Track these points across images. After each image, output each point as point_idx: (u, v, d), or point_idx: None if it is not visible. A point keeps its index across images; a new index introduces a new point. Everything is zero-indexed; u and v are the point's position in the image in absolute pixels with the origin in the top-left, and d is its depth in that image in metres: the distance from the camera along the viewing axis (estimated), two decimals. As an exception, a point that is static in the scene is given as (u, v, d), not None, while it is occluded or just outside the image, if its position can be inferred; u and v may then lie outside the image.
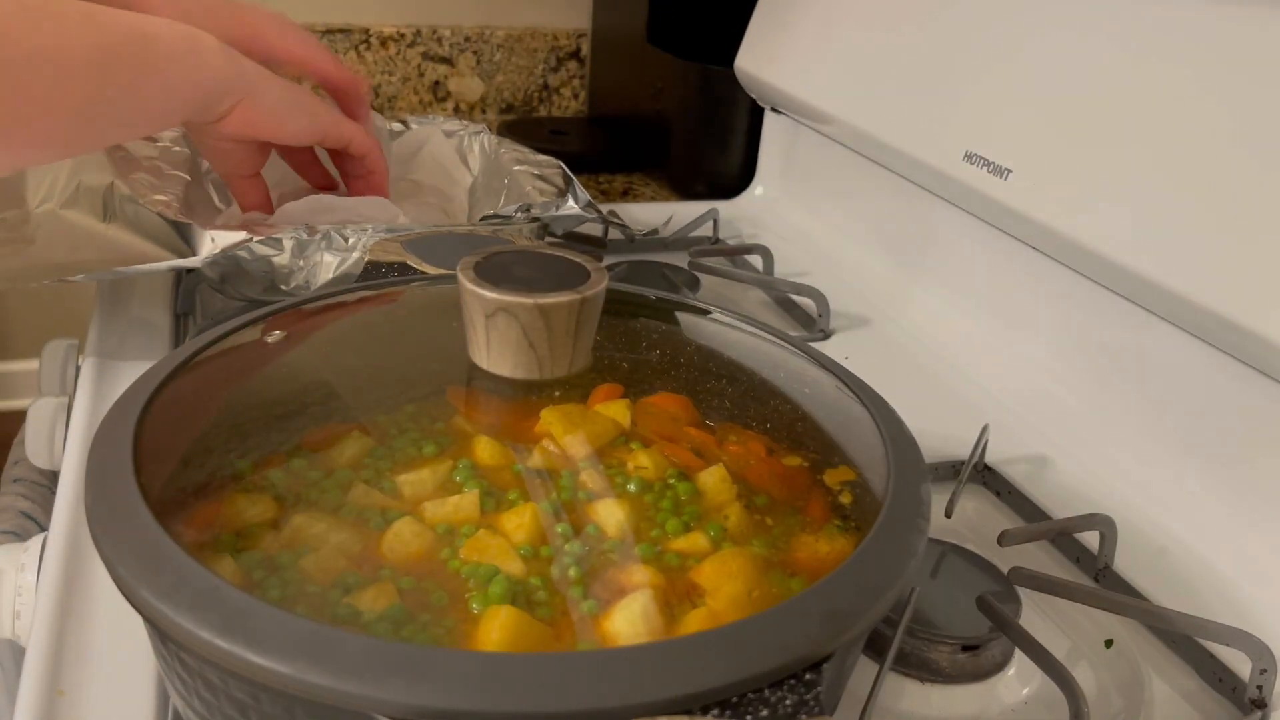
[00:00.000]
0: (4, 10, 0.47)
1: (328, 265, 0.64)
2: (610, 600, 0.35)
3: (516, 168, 0.79)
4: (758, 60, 0.96)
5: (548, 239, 0.73)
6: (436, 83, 1.34)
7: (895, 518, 0.37)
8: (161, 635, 0.32)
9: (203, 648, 0.29)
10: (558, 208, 0.71)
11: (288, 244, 0.63)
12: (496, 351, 0.44)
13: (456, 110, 1.36)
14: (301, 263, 0.64)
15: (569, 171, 0.76)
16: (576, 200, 0.72)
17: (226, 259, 0.62)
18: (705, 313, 0.54)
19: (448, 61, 1.33)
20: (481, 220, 0.69)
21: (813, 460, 0.44)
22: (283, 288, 0.64)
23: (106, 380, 0.64)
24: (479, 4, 1.34)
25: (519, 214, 0.69)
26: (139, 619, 0.33)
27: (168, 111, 0.57)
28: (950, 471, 0.61)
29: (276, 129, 0.64)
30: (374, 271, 0.55)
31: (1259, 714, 0.46)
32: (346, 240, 0.64)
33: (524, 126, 1.28)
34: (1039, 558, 0.56)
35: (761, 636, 0.31)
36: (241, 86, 0.60)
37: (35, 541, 0.51)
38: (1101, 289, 0.63)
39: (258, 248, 0.63)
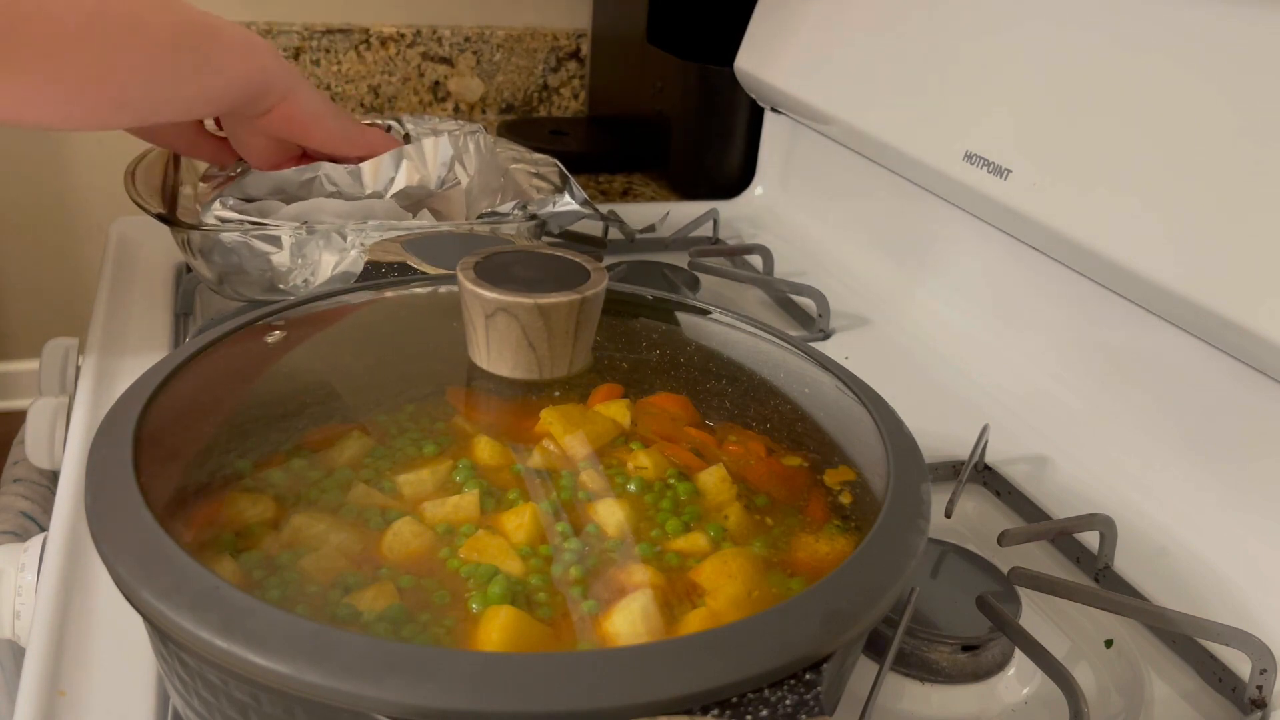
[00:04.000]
0: None
1: (326, 264, 0.64)
2: (610, 600, 0.35)
3: (513, 166, 0.79)
4: (758, 60, 0.96)
5: (545, 239, 0.73)
6: (436, 83, 1.34)
7: (895, 518, 0.37)
8: (161, 635, 0.32)
9: (203, 648, 0.29)
10: (554, 204, 0.71)
11: (286, 241, 0.63)
12: (496, 351, 0.44)
13: (456, 110, 1.36)
14: (300, 260, 0.64)
15: (565, 170, 0.76)
16: (574, 197, 0.72)
17: (224, 254, 0.63)
18: (705, 313, 0.54)
19: (448, 61, 1.33)
20: (479, 218, 0.69)
21: (813, 460, 0.44)
22: (281, 286, 0.65)
23: (106, 380, 0.64)
24: (479, 4, 1.34)
25: (516, 211, 0.69)
26: (139, 619, 0.33)
27: (223, 96, 0.62)
28: (950, 471, 0.61)
29: (312, 129, 0.68)
30: (374, 271, 0.55)
31: (1259, 714, 0.46)
32: (345, 239, 0.64)
33: (524, 126, 1.28)
34: (1039, 558, 0.56)
35: (761, 636, 0.31)
36: (286, 85, 0.65)
37: (35, 541, 0.51)
38: (1101, 289, 0.63)
39: (256, 243, 0.63)
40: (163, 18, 0.56)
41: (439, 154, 0.74)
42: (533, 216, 0.70)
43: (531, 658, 0.30)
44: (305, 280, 0.64)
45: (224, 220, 0.66)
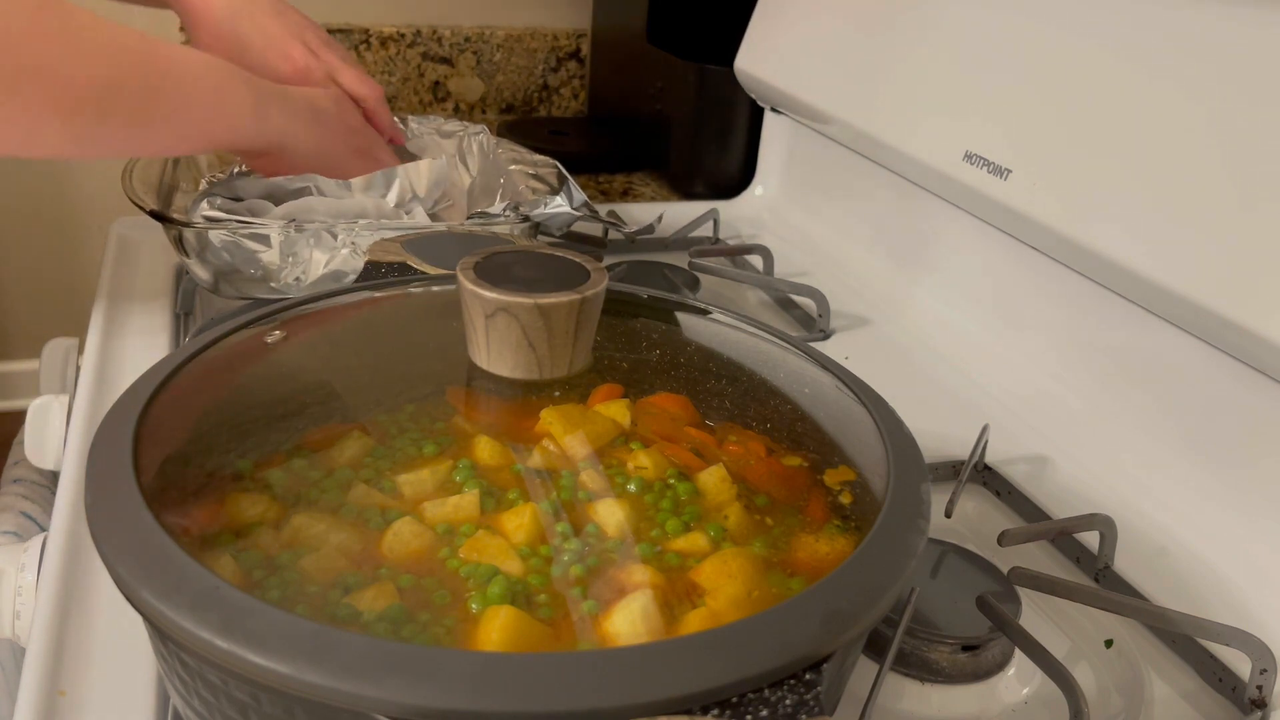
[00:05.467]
0: (23, 18, 0.49)
1: (317, 262, 0.64)
2: (610, 600, 0.35)
3: (513, 167, 0.79)
4: (758, 60, 0.96)
5: (540, 238, 0.73)
6: (436, 83, 1.34)
7: (895, 518, 0.37)
8: (161, 635, 0.32)
9: (203, 648, 0.29)
10: (546, 205, 0.71)
11: (275, 240, 0.63)
12: (496, 351, 0.44)
13: (456, 110, 1.36)
14: (291, 258, 0.64)
15: (564, 171, 0.75)
16: (571, 199, 0.72)
17: (215, 253, 0.63)
18: (705, 313, 0.54)
19: (448, 61, 1.33)
20: (469, 218, 0.69)
21: (813, 460, 0.44)
22: (273, 285, 0.65)
23: (106, 380, 0.64)
24: (479, 4, 1.34)
25: (507, 212, 0.69)
26: (139, 619, 0.33)
27: (180, 146, 0.60)
28: (950, 471, 0.61)
29: (306, 171, 0.67)
30: (374, 271, 0.55)
31: (1259, 714, 0.46)
32: (335, 238, 0.64)
33: (524, 126, 1.28)
34: (1039, 558, 0.56)
35: (761, 636, 0.31)
36: (267, 142, 0.63)
37: (35, 541, 0.51)
38: (1102, 289, 0.63)
39: (245, 242, 0.63)
40: (96, 67, 0.52)
41: (433, 176, 0.74)
42: (525, 218, 0.69)
43: (531, 658, 0.30)
44: (297, 279, 0.64)
45: (212, 219, 0.66)
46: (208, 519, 0.37)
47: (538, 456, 0.41)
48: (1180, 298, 0.55)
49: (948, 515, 0.54)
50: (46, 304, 1.64)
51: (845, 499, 0.42)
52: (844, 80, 0.84)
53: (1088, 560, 0.55)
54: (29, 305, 1.65)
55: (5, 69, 0.49)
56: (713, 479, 0.41)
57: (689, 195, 1.08)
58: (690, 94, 1.06)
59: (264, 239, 0.63)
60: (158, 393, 0.40)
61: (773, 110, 1.00)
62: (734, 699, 0.30)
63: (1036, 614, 0.51)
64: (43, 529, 0.65)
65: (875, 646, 0.46)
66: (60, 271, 1.62)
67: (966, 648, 0.46)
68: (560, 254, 0.47)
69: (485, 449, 0.42)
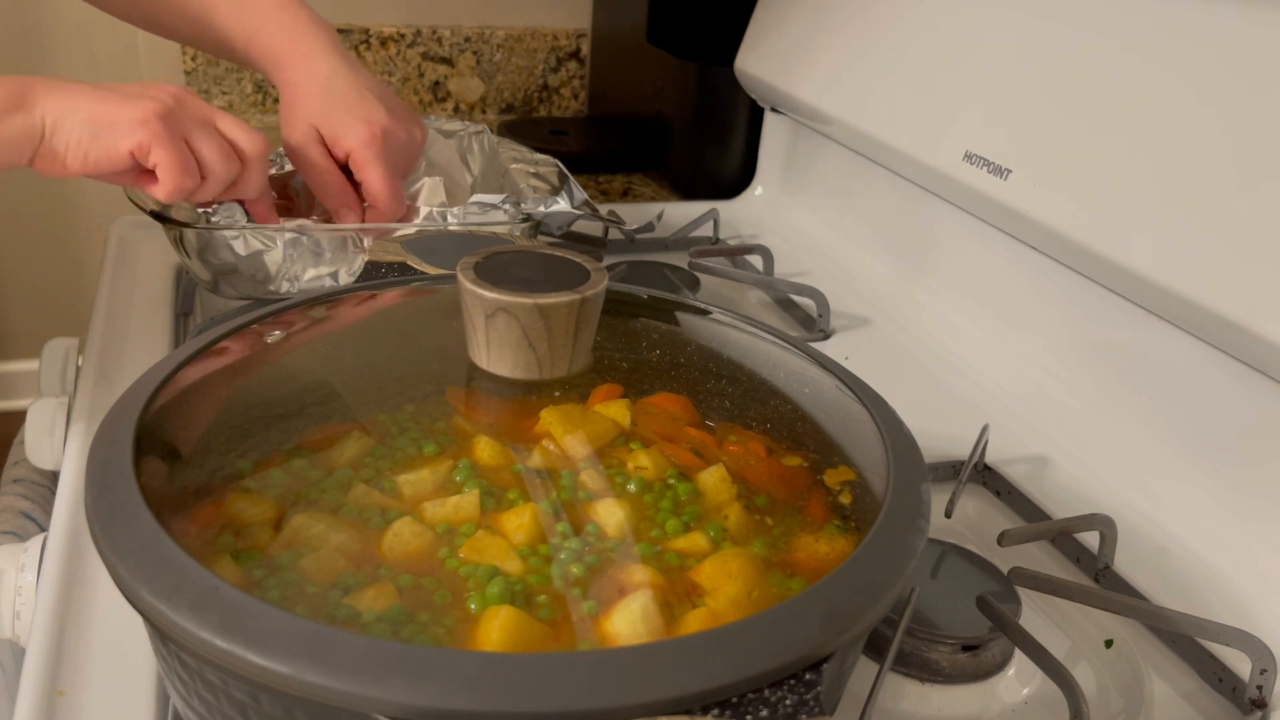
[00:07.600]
0: None
1: (321, 263, 0.65)
2: (610, 600, 0.35)
3: (514, 166, 0.79)
4: (758, 60, 0.96)
5: (540, 237, 0.73)
6: (436, 83, 1.34)
7: (895, 518, 0.37)
8: (161, 635, 0.32)
9: (203, 648, 0.29)
10: (546, 204, 0.71)
11: (280, 240, 0.64)
12: (496, 351, 0.44)
13: (456, 110, 1.36)
14: (294, 257, 0.64)
15: (565, 170, 0.75)
16: (571, 198, 0.71)
17: (217, 253, 0.63)
18: (705, 313, 0.54)
19: (448, 61, 1.33)
20: (468, 205, 0.69)
21: (813, 460, 0.44)
22: (272, 286, 0.65)
23: (106, 380, 0.64)
24: (479, 4, 1.34)
25: (505, 205, 0.69)
26: (139, 619, 0.33)
27: None
28: (950, 471, 0.61)
29: (80, 167, 0.57)
30: (374, 271, 0.55)
31: (1259, 714, 0.46)
32: (341, 241, 0.64)
33: (524, 126, 1.28)
34: (1039, 558, 0.56)
35: (761, 636, 0.31)
36: (33, 136, 0.55)
37: (35, 541, 0.51)
38: (1102, 289, 0.63)
39: (252, 240, 0.63)
40: None
41: (427, 195, 0.73)
42: (526, 216, 0.69)
43: (531, 658, 0.30)
44: (297, 278, 0.64)
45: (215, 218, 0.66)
46: (208, 519, 0.37)
47: (538, 456, 0.41)
48: (1181, 298, 0.55)
49: (948, 515, 0.54)
50: (46, 304, 1.64)
51: (845, 499, 0.42)
52: (844, 80, 0.84)
53: (1088, 560, 0.55)
54: (29, 305, 1.65)
55: None
56: (713, 479, 0.41)
57: (689, 195, 1.07)
58: (690, 94, 1.06)
59: (269, 239, 0.63)
60: (158, 393, 0.40)
61: (773, 110, 1.00)
62: (734, 699, 0.30)
63: (1036, 614, 0.51)
64: (43, 529, 0.65)
65: (875, 646, 0.46)
66: (60, 271, 1.61)
67: (966, 648, 0.46)
68: (560, 254, 0.47)
69: (485, 449, 0.42)
